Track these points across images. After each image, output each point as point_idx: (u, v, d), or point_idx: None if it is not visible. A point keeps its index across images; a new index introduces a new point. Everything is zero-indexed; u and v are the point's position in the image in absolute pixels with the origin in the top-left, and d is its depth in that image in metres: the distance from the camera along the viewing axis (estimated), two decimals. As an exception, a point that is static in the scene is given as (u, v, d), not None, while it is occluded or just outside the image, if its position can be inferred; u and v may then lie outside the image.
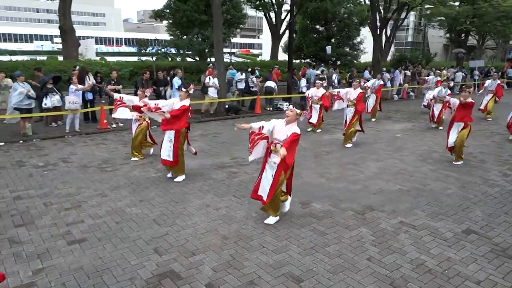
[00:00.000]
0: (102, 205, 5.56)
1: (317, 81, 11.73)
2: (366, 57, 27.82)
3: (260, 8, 25.73)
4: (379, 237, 4.67)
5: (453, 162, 7.86)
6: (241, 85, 15.36)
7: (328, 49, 22.56)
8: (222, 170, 7.30)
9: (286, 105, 15.42)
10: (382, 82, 13.68)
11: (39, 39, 71.98)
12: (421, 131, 11.34)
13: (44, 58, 24.49)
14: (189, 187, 6.37)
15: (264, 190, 4.91)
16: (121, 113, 7.97)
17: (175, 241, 4.51)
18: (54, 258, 4.11)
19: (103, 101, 11.18)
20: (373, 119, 12.93)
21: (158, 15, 22.57)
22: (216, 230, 4.81)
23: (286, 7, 25.29)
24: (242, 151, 8.60)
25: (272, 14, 26.31)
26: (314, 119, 11.00)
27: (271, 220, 5.01)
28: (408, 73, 20.73)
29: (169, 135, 6.46)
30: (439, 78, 15.11)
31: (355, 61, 25.80)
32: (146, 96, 7.73)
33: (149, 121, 7.94)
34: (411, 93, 20.17)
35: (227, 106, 14.25)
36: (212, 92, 13.21)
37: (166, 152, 6.48)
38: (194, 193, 6.08)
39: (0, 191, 6.04)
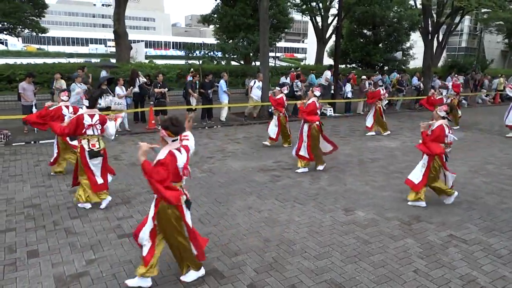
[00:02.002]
0: (150, 202, 5.77)
1: (276, 88, 9.97)
2: (416, 62, 26.88)
3: (307, 12, 25.60)
4: (427, 250, 4.50)
5: None
6: (285, 90, 15.33)
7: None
8: (265, 173, 7.34)
9: (330, 110, 15.27)
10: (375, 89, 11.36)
11: (93, 42, 76.23)
12: (475, 141, 10.77)
13: (98, 60, 25.84)
14: (233, 188, 6.47)
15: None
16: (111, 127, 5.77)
17: (218, 241, 4.60)
18: (106, 250, 4.34)
19: (151, 103, 11.69)
20: (385, 133, 11.27)
21: (206, 19, 23.12)
22: (258, 232, 4.85)
23: (333, 11, 24.99)
24: (285, 155, 8.61)
25: (318, 19, 26.09)
26: (271, 132, 9.38)
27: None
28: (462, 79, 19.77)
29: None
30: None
31: (403, 67, 24.98)
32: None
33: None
34: (464, 101, 19.20)
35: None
36: (255, 95, 13.32)
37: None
38: (237, 195, 6.17)
39: (58, 185, 6.49)
